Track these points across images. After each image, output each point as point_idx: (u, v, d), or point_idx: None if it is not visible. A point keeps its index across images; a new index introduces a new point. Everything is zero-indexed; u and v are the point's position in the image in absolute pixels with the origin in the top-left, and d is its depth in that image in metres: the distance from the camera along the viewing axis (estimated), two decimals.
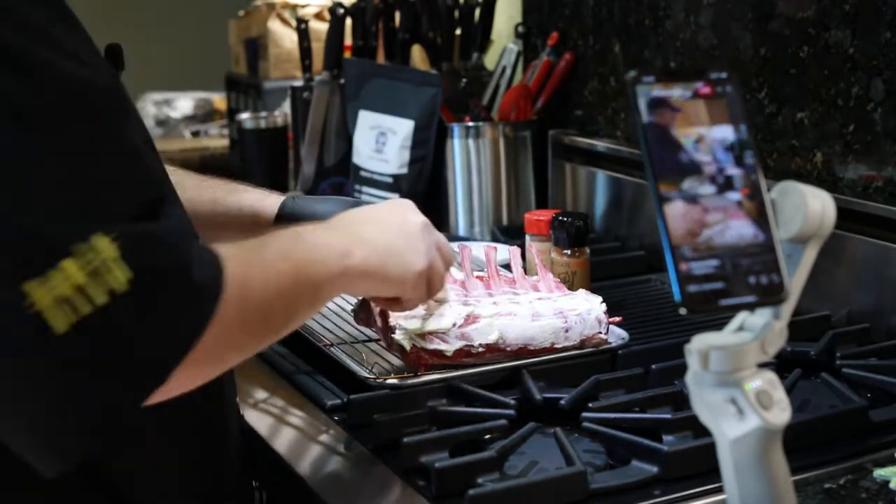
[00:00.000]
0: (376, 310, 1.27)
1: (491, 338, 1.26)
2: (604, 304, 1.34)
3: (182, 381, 0.85)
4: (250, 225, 1.31)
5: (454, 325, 1.25)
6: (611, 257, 1.77)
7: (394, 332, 1.24)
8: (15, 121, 0.79)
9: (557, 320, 1.29)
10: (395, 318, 1.25)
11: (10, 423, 0.81)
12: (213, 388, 0.96)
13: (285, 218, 1.30)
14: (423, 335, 1.24)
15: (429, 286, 1.16)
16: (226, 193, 1.32)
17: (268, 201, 1.32)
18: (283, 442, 1.21)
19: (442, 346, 1.25)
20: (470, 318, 1.26)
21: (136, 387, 0.82)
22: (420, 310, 1.25)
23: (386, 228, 1.12)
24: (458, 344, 1.25)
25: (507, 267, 1.62)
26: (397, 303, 1.18)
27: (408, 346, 1.24)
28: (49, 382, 0.79)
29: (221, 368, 0.92)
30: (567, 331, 1.29)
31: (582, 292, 1.37)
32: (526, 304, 1.31)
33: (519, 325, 1.28)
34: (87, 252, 0.78)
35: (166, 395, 0.84)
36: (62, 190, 0.80)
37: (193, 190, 1.27)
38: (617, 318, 1.38)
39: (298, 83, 2.21)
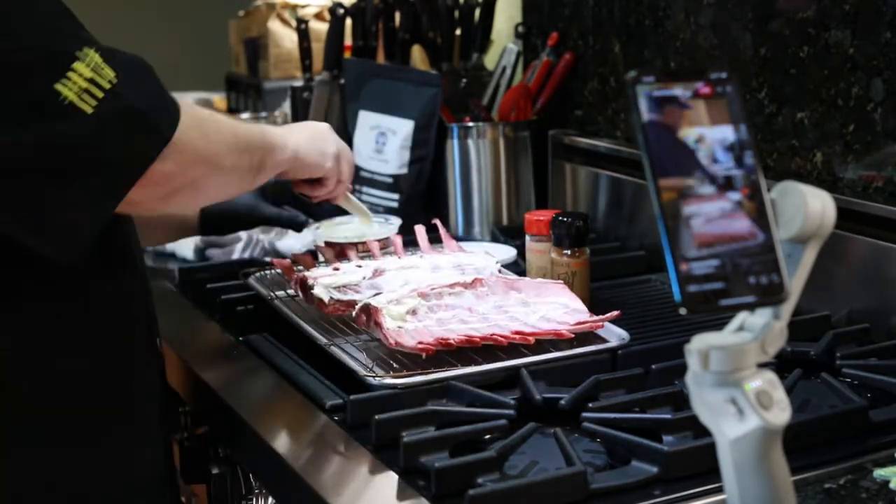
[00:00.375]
0: (294, 277, 1.48)
1: (397, 284, 1.42)
2: (498, 264, 1.53)
3: (153, 186, 1.10)
4: (176, 229, 1.60)
5: (364, 277, 1.45)
6: (611, 257, 1.77)
7: (312, 289, 1.41)
8: None
9: (455, 271, 1.48)
10: (312, 275, 1.45)
11: (33, 207, 1.07)
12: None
13: (208, 216, 1.56)
14: (337, 288, 1.42)
15: (340, 167, 1.45)
16: None
17: None
18: (283, 442, 1.21)
19: (356, 297, 1.39)
20: (377, 272, 1.47)
21: (153, 142, 1.09)
22: (333, 269, 1.48)
23: (304, 129, 1.42)
24: (370, 293, 1.39)
25: (507, 267, 1.62)
26: (321, 185, 1.46)
27: (325, 298, 1.39)
28: (83, 154, 1.05)
29: (177, 190, 1.13)
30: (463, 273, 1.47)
31: (481, 251, 1.58)
32: (427, 260, 1.50)
33: (421, 276, 1.46)
34: (85, 57, 1.05)
35: (144, 202, 1.12)
36: (56, 20, 1.08)
37: None
38: (615, 313, 1.38)
39: (298, 83, 2.21)
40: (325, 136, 1.43)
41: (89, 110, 1.04)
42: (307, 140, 1.38)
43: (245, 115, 2.42)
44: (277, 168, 1.33)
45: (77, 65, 1.04)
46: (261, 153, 1.26)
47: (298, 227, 1.64)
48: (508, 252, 1.71)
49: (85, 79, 1.04)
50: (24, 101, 1.04)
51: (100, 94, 1.04)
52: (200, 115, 1.17)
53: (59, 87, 1.03)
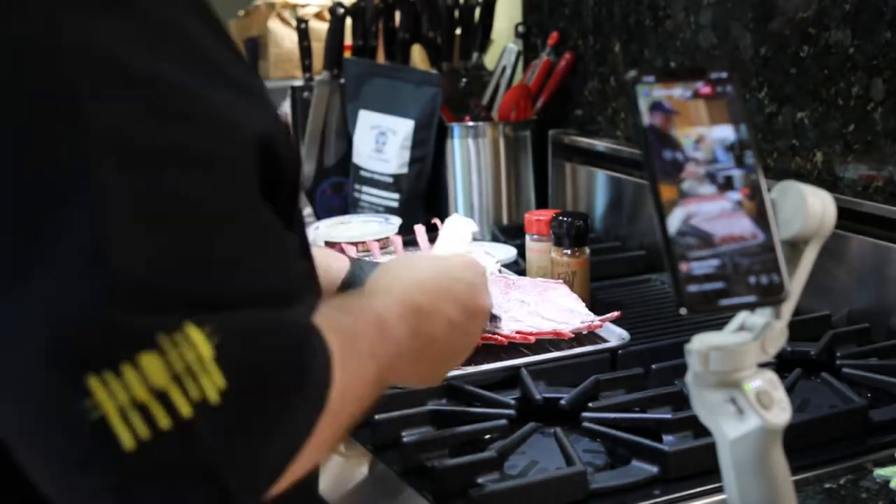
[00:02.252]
0: None
1: None
2: (498, 264, 1.49)
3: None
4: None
5: None
6: (611, 257, 1.77)
7: None
8: (117, 154, 0.65)
9: None
10: None
11: None
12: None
13: (349, 286, 1.23)
14: None
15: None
16: None
17: (334, 267, 1.24)
18: None
19: None
20: None
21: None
22: None
23: (453, 335, 0.97)
24: None
25: (507, 267, 1.62)
26: None
27: None
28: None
29: (295, 478, 0.73)
30: None
31: (481, 251, 1.53)
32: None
33: None
34: (176, 346, 0.62)
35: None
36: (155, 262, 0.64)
37: None
38: (615, 314, 1.38)
39: (298, 83, 2.21)
40: (471, 343, 1.02)
41: (128, 445, 0.61)
42: (431, 355, 0.96)
43: None
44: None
45: (148, 359, 0.62)
46: (386, 383, 0.88)
47: None
48: (508, 252, 1.71)
49: (147, 388, 0.61)
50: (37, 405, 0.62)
51: (164, 424, 0.61)
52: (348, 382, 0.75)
53: (93, 382, 0.60)
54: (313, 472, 0.96)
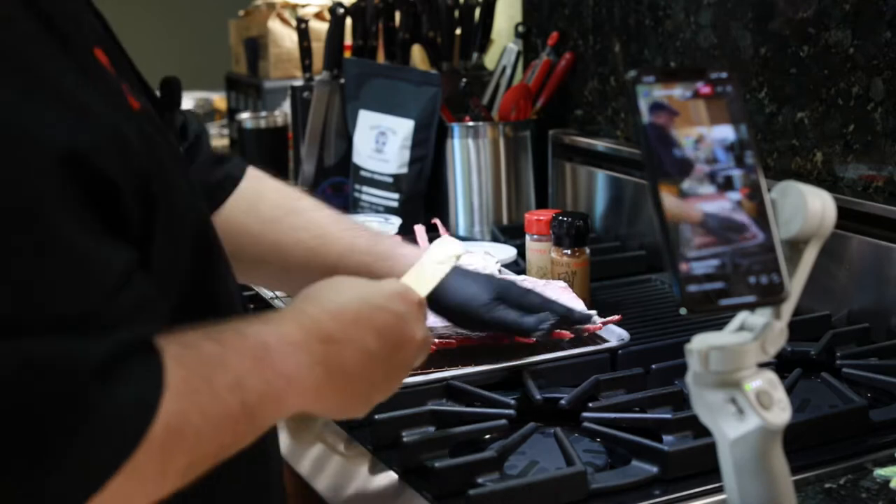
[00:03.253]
0: None
1: None
2: (498, 264, 1.47)
3: None
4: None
5: None
6: (611, 257, 1.77)
7: None
8: None
9: None
10: None
11: None
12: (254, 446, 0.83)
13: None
14: None
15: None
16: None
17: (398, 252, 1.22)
18: (283, 442, 1.21)
19: None
20: None
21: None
22: None
23: (372, 368, 0.91)
24: None
25: (507, 267, 1.62)
26: None
27: None
28: None
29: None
30: None
31: (481, 251, 1.51)
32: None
33: None
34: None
35: None
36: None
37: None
38: (616, 317, 1.38)
39: (298, 83, 2.21)
40: (394, 383, 0.96)
41: None
42: (344, 387, 0.89)
43: (245, 115, 2.42)
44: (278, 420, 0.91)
45: None
46: (264, 418, 0.82)
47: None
48: (508, 252, 1.71)
49: None
50: None
51: None
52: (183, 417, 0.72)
53: None
54: (269, 464, 0.94)
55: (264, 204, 1.19)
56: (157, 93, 0.97)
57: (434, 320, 1.34)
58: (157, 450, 0.69)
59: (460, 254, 1.23)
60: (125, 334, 0.70)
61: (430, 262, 1.20)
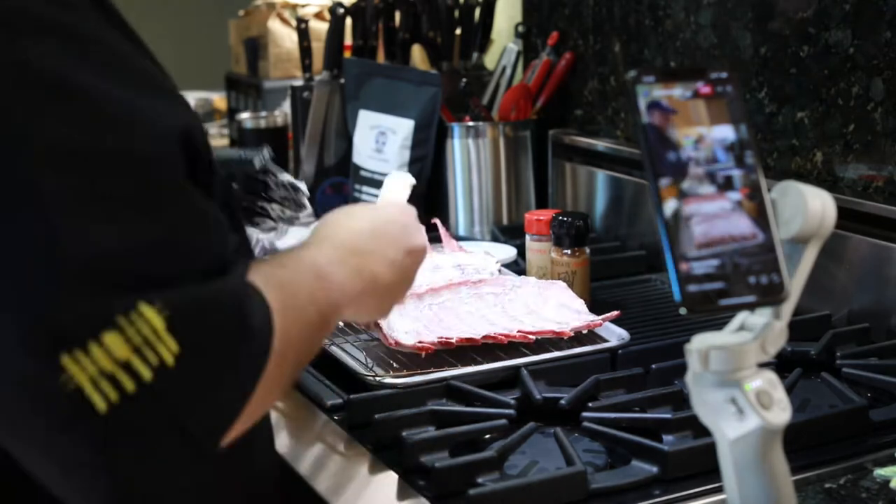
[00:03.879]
0: None
1: None
2: (498, 264, 1.51)
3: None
4: None
5: None
6: (611, 257, 1.77)
7: None
8: (57, 164, 0.73)
9: (455, 271, 1.46)
10: None
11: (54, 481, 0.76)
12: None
13: None
14: None
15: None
16: None
17: None
18: (283, 442, 1.21)
19: None
20: None
21: (182, 460, 0.76)
22: None
23: (394, 273, 1.06)
24: None
25: (507, 267, 1.62)
26: None
27: None
28: (90, 457, 0.72)
29: (257, 419, 0.85)
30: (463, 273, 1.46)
31: (481, 251, 1.56)
32: (427, 259, 1.45)
33: (421, 276, 1.36)
34: (132, 324, 0.72)
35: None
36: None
37: None
38: (615, 313, 1.38)
39: (298, 83, 2.21)
40: (411, 275, 1.11)
41: (101, 408, 0.71)
42: (374, 292, 1.04)
43: (245, 115, 2.42)
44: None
45: (110, 337, 0.72)
46: (332, 324, 0.98)
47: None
48: (508, 252, 1.71)
49: (113, 360, 0.71)
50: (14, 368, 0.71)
51: (129, 388, 0.72)
52: (289, 327, 0.84)
53: (66, 360, 0.70)
54: (267, 428, 1.02)
55: None
56: None
57: (430, 322, 1.34)
58: (276, 361, 0.81)
59: (413, 183, 1.35)
60: (239, 269, 0.82)
61: (389, 191, 1.34)
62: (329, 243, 1.01)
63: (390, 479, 1.09)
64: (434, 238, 1.62)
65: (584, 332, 1.36)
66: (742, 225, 0.73)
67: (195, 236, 0.79)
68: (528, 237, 1.57)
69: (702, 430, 0.81)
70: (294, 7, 2.66)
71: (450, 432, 1.12)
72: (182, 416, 0.75)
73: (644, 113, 0.72)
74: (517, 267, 1.65)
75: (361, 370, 1.27)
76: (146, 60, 0.86)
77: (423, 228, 1.14)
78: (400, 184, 1.37)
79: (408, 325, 1.32)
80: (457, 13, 2.20)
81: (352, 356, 1.32)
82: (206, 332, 0.76)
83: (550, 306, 1.40)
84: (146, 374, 0.72)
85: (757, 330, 0.75)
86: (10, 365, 0.71)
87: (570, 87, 2.05)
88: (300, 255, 0.96)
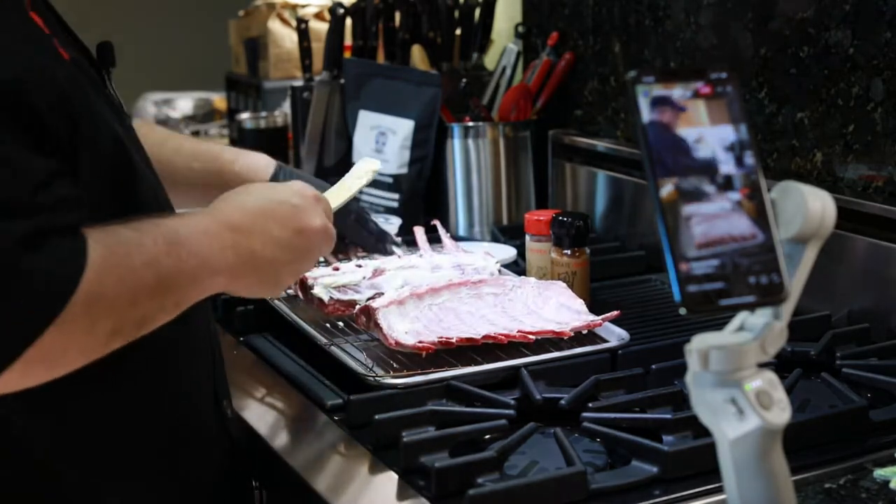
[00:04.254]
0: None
1: (397, 284, 1.42)
2: (498, 264, 1.52)
3: (12, 381, 0.85)
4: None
5: (364, 277, 1.44)
6: (611, 257, 1.77)
7: (312, 289, 1.41)
8: None
9: (455, 271, 1.47)
10: (312, 275, 1.42)
11: None
12: (182, 387, 1.02)
13: None
14: (337, 287, 1.42)
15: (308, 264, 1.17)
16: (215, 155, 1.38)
17: (261, 165, 1.39)
18: (283, 442, 1.21)
19: (356, 296, 1.40)
20: (377, 272, 1.46)
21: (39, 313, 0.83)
22: (333, 269, 1.46)
23: (277, 251, 1.07)
24: (370, 292, 1.40)
25: (507, 267, 1.62)
26: None
27: (325, 298, 1.40)
28: None
29: (60, 370, 0.89)
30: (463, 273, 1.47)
31: (481, 251, 1.58)
32: (427, 259, 1.51)
33: (421, 276, 1.45)
34: None
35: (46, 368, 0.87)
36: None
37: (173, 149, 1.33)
38: (615, 313, 1.38)
39: (298, 83, 2.21)
40: (300, 257, 1.12)
41: None
42: (262, 269, 1.07)
43: (245, 115, 2.42)
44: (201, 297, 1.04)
45: None
46: (181, 293, 0.98)
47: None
48: (508, 252, 1.71)
49: None
50: None
51: None
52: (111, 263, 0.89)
53: None
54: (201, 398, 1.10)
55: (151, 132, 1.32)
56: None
57: (430, 322, 1.34)
58: (81, 311, 0.85)
59: (377, 168, 1.40)
60: (48, 217, 0.85)
61: (351, 176, 1.40)
62: (206, 216, 1.04)
63: (390, 479, 1.09)
64: (434, 238, 1.62)
65: (584, 332, 1.36)
66: (742, 225, 0.73)
67: None
68: (527, 237, 1.57)
69: (702, 430, 0.81)
70: (294, 7, 2.66)
71: (450, 432, 1.12)
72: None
73: (644, 113, 0.72)
74: (517, 267, 1.65)
75: (361, 370, 1.27)
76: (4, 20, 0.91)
77: (319, 210, 1.13)
78: (363, 169, 1.40)
79: (408, 325, 1.32)
80: (457, 13, 2.20)
81: (352, 356, 1.32)
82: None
83: (550, 306, 1.40)
84: None
85: (757, 330, 0.75)
86: None
87: (570, 87, 2.05)
88: (162, 221, 0.97)
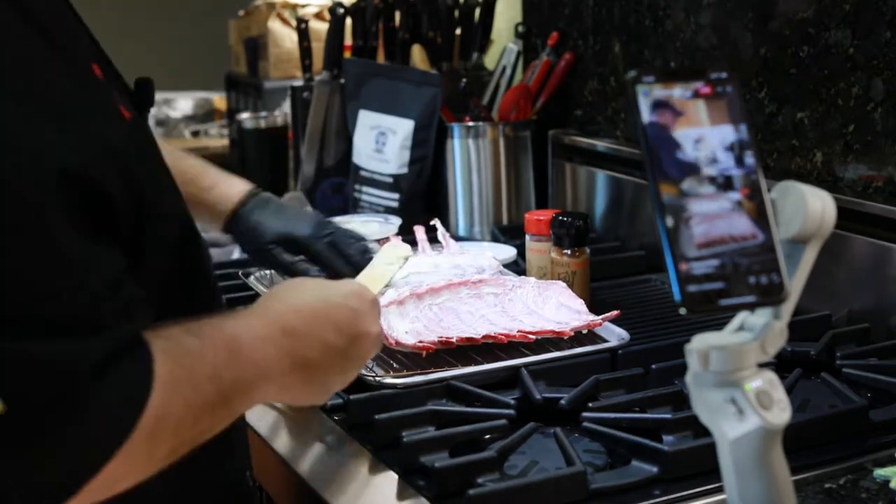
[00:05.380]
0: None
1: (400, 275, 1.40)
2: (498, 262, 1.51)
3: None
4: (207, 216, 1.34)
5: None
6: (611, 257, 1.77)
7: None
8: None
9: (455, 271, 1.46)
10: None
11: None
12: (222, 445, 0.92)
13: (235, 226, 1.36)
14: None
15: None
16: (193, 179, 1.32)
17: (233, 192, 1.36)
18: (283, 442, 1.21)
19: None
20: None
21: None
22: None
23: (331, 359, 0.99)
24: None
25: (508, 267, 1.62)
26: None
27: None
28: None
29: (108, 495, 0.79)
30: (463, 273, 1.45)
31: (482, 251, 1.58)
32: (427, 259, 1.50)
33: (421, 276, 1.43)
34: None
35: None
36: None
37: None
38: (615, 312, 1.38)
39: (298, 83, 2.21)
40: (352, 370, 1.04)
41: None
42: (318, 383, 1.00)
43: (245, 115, 2.42)
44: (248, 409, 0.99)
45: None
46: (236, 405, 0.90)
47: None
48: (508, 252, 1.71)
49: None
50: None
51: None
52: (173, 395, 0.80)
53: None
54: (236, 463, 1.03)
55: None
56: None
57: (430, 322, 1.34)
58: (146, 437, 0.77)
59: (409, 256, 1.36)
60: (118, 333, 0.77)
61: (380, 263, 1.35)
62: (262, 318, 0.94)
63: (390, 479, 1.09)
64: (434, 238, 1.62)
65: (584, 332, 1.36)
66: (742, 225, 0.73)
67: (55, 283, 0.75)
68: (528, 237, 1.57)
69: (702, 430, 0.81)
70: (294, 7, 2.66)
71: (450, 432, 1.12)
72: (12, 477, 0.72)
73: (644, 113, 0.72)
74: (517, 267, 1.65)
75: (361, 370, 1.27)
76: (71, 81, 0.82)
77: (377, 315, 1.06)
78: (394, 255, 1.38)
79: (408, 325, 1.32)
80: (457, 13, 2.20)
81: None
82: (39, 398, 0.72)
83: (550, 306, 1.40)
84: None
85: (757, 330, 0.75)
86: None
87: (570, 87, 2.05)
88: (223, 325, 0.90)
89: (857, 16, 1.47)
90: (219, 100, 3.09)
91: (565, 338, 1.34)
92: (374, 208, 1.97)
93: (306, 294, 1.01)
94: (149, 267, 0.86)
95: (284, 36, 2.61)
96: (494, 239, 1.90)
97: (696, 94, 0.74)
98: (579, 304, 1.41)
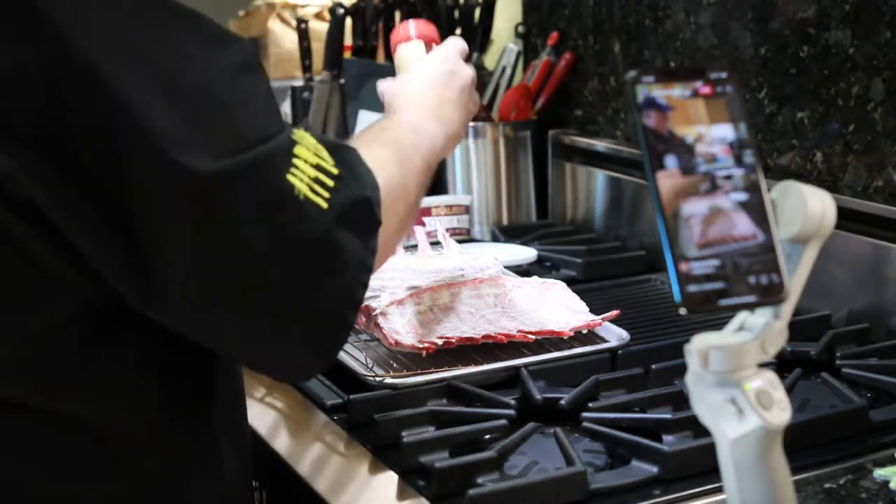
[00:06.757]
0: None
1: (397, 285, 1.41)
2: (500, 264, 1.51)
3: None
4: None
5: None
6: (611, 257, 1.77)
7: None
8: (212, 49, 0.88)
9: (455, 271, 1.47)
10: None
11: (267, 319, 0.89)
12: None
13: None
14: None
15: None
16: None
17: None
18: (283, 442, 1.21)
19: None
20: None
21: (374, 225, 0.96)
22: None
23: (457, 104, 1.24)
24: (370, 292, 1.35)
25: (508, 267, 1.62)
26: None
27: None
28: (325, 252, 0.89)
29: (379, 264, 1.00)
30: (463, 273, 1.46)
31: (488, 253, 1.58)
32: (427, 260, 1.51)
33: (421, 276, 1.44)
34: (301, 139, 0.90)
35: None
36: (266, 104, 0.90)
37: None
38: (615, 312, 1.38)
39: (298, 83, 2.21)
40: (471, 104, 1.28)
41: (324, 205, 0.89)
42: (462, 122, 1.25)
43: None
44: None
45: (299, 149, 0.89)
46: (434, 163, 1.16)
47: None
48: (528, 253, 1.70)
49: (312, 166, 0.89)
50: (259, 200, 0.85)
51: (330, 184, 0.90)
52: (393, 173, 1.03)
53: (291, 178, 0.87)
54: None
55: None
56: None
57: (430, 322, 1.34)
58: (396, 200, 1.00)
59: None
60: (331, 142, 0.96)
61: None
62: (411, 107, 1.19)
63: (390, 479, 1.09)
64: (433, 240, 1.62)
65: (584, 332, 1.36)
66: (742, 225, 0.73)
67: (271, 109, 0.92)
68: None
69: (702, 430, 0.81)
70: (294, 7, 2.66)
71: (450, 432, 1.12)
72: (362, 200, 0.94)
73: (644, 113, 0.72)
74: (517, 268, 1.65)
75: (361, 370, 1.27)
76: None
77: (460, 60, 1.29)
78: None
79: (408, 325, 1.32)
80: (457, 13, 2.20)
81: (352, 356, 1.31)
82: (349, 160, 0.95)
83: (550, 306, 1.40)
84: (332, 169, 0.91)
85: (757, 330, 0.75)
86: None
87: (570, 87, 2.05)
88: (395, 119, 1.16)
89: (857, 16, 1.47)
90: None
91: (565, 338, 1.34)
92: None
93: (419, 79, 1.25)
94: None
95: (284, 36, 2.61)
96: (494, 239, 1.90)
97: (696, 94, 0.74)
98: (579, 304, 1.41)
